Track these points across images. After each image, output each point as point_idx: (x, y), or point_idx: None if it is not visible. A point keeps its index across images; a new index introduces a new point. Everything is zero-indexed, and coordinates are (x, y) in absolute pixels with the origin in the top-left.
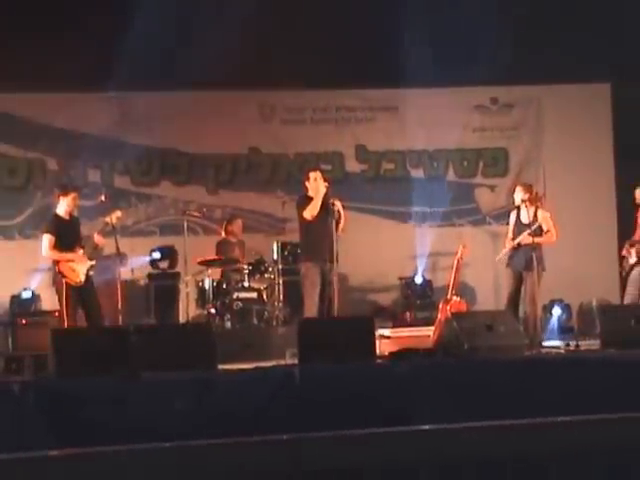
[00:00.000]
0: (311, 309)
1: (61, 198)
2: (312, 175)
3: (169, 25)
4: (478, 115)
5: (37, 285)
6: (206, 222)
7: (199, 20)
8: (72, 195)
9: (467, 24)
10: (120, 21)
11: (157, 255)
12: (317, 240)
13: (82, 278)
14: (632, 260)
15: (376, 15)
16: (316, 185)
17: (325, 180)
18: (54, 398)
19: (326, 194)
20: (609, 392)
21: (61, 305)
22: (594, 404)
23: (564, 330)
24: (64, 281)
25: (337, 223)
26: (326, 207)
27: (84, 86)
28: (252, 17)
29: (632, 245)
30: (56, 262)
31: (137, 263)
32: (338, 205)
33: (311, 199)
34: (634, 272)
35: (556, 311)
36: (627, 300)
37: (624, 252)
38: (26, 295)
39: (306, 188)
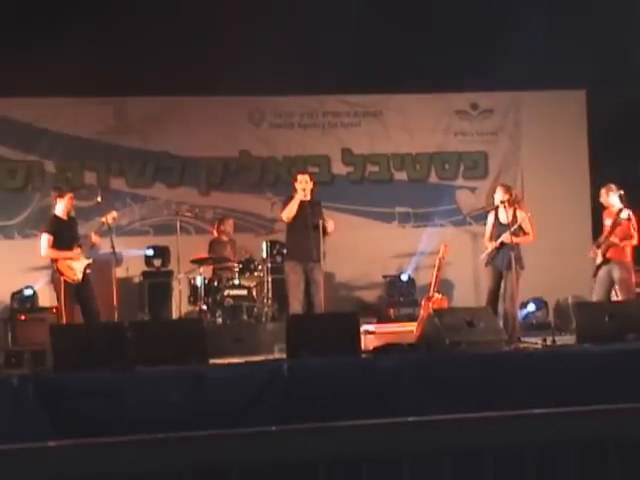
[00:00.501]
0: (295, 306)
1: (58, 199)
2: (299, 178)
3: (162, 33)
4: (459, 120)
5: (40, 283)
6: (198, 222)
7: (192, 29)
8: (68, 195)
9: (450, 32)
10: (117, 28)
11: (150, 252)
12: (299, 240)
13: (80, 276)
14: (598, 260)
15: (361, 24)
16: (299, 188)
17: (314, 183)
18: (52, 391)
19: (312, 196)
20: (584, 385)
21: (59, 302)
22: (570, 397)
23: (532, 327)
24: (62, 279)
25: (324, 232)
26: (311, 209)
27: (81, 91)
28: (243, 26)
29: (598, 246)
30: (55, 260)
31: (130, 254)
32: (329, 224)
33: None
34: (601, 272)
35: (530, 307)
36: (595, 299)
37: (591, 254)
38: (28, 293)
39: (295, 189)
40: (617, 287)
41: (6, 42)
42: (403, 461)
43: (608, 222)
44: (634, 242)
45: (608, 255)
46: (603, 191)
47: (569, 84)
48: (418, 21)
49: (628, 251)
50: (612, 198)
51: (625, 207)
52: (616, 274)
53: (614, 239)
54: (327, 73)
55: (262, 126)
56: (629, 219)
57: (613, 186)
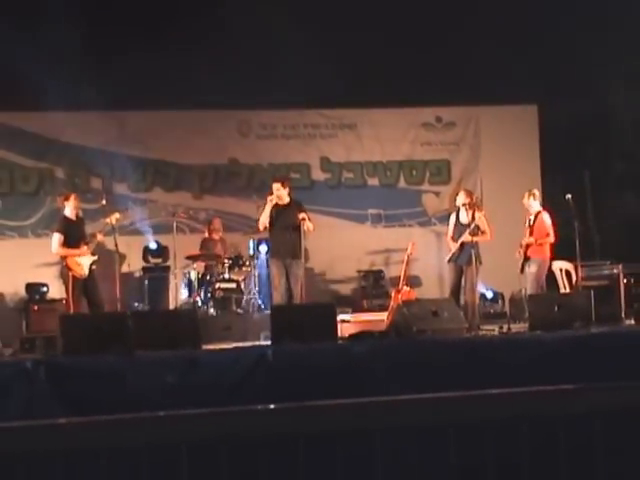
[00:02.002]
0: (277, 297)
1: (65, 202)
2: (274, 185)
3: (160, 54)
4: (425, 131)
5: (51, 277)
6: (192, 223)
7: (186, 51)
8: (73, 196)
9: (417, 53)
10: (118, 51)
11: (154, 245)
12: (279, 240)
13: (86, 271)
14: (522, 259)
15: (338, 45)
16: (272, 195)
17: (291, 187)
18: (61, 373)
19: (291, 200)
20: (536, 368)
21: (67, 294)
22: (524, 378)
23: (490, 316)
24: (71, 274)
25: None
26: (291, 211)
27: (87, 106)
28: (231, 48)
29: (521, 246)
30: (64, 257)
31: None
32: (305, 219)
33: (274, 206)
34: (526, 268)
35: (488, 293)
36: (530, 293)
37: (517, 255)
38: (40, 286)
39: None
40: (527, 279)
41: (24, 63)
42: (374, 436)
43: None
44: (551, 240)
45: (528, 253)
46: (525, 195)
47: (523, 100)
48: (389, 42)
49: (546, 249)
50: (532, 202)
51: (543, 210)
52: (530, 268)
53: (530, 239)
54: (307, 89)
55: (249, 137)
56: (542, 218)
57: (535, 191)
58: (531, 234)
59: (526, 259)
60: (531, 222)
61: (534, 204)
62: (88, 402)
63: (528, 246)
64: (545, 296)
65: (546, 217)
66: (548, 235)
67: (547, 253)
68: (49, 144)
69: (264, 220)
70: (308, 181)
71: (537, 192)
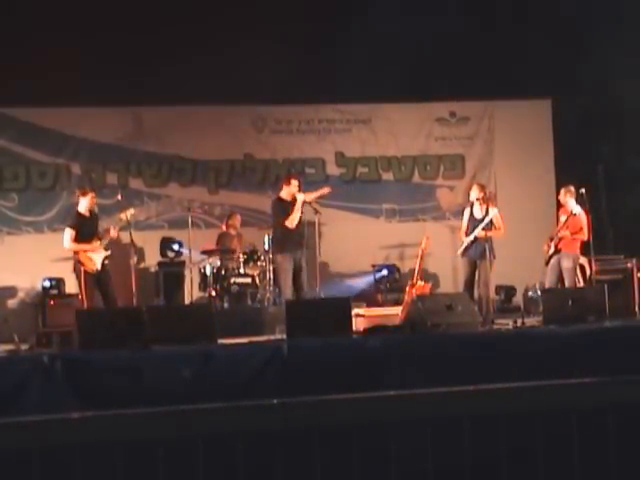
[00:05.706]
0: (287, 292)
1: (81, 198)
2: (295, 182)
3: (175, 50)
4: (439, 126)
5: (67, 272)
6: (207, 218)
7: (201, 46)
8: (90, 195)
9: (430, 49)
10: (135, 48)
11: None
12: (290, 234)
13: (98, 266)
14: (551, 251)
15: (354, 41)
16: (293, 193)
17: (299, 187)
18: (78, 368)
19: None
20: (550, 362)
21: (80, 289)
22: (537, 372)
23: (504, 310)
24: (82, 269)
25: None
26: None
27: (103, 102)
28: (247, 43)
29: (551, 239)
30: (76, 252)
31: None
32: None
33: (284, 202)
34: (552, 261)
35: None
36: (547, 285)
37: (545, 247)
38: (56, 281)
39: (281, 188)
40: (564, 275)
41: (41, 62)
42: (389, 429)
43: (563, 218)
44: (583, 237)
45: (559, 246)
46: (562, 191)
47: (536, 94)
48: (402, 38)
49: (578, 244)
50: (569, 199)
51: (582, 210)
52: (564, 263)
53: (565, 232)
54: (322, 85)
55: (264, 132)
56: (579, 215)
57: (572, 188)
58: (566, 228)
59: (557, 251)
60: (567, 217)
61: (570, 201)
62: (104, 396)
63: (561, 239)
64: (559, 290)
65: (583, 216)
66: (582, 230)
67: (578, 249)
68: (65, 140)
69: (296, 221)
70: (323, 176)
71: (573, 189)
